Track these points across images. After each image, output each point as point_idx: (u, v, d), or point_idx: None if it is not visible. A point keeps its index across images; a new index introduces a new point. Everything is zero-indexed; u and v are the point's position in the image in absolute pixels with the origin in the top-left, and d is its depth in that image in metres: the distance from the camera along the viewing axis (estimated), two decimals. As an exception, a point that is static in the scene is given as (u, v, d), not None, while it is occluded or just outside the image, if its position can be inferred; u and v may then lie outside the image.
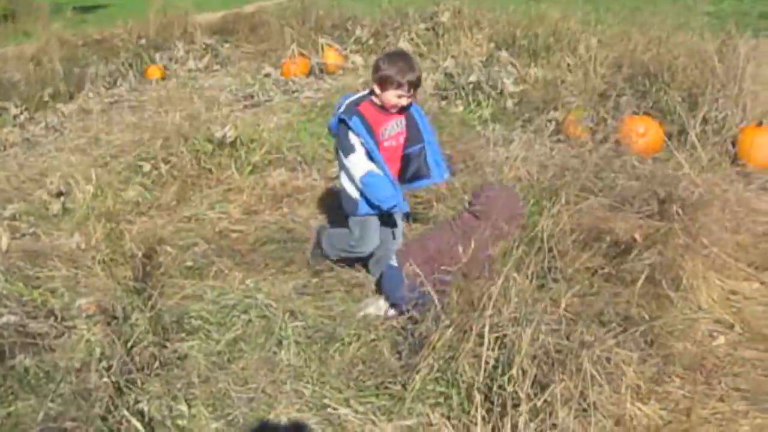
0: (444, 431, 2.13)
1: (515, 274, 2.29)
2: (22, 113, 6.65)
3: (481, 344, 2.12)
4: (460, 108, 5.62)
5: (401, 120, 2.99)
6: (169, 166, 4.48)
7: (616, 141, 4.23)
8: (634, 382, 2.25)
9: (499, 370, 2.09)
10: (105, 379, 2.38)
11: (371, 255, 3.12)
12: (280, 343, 2.64)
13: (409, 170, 3.05)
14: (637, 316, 2.63)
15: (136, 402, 2.35)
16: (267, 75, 7.22)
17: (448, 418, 2.16)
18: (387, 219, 3.08)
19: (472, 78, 5.69)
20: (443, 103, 5.77)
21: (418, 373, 2.25)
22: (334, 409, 2.27)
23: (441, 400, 2.21)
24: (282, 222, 3.92)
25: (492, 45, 7.01)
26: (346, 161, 2.89)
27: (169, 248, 3.62)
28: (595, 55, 5.63)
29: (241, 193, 4.28)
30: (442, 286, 2.43)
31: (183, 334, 2.74)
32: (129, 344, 2.55)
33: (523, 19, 7.39)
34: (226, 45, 9.15)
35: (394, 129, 2.97)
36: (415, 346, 2.42)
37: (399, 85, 2.82)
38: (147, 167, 4.49)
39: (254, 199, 4.23)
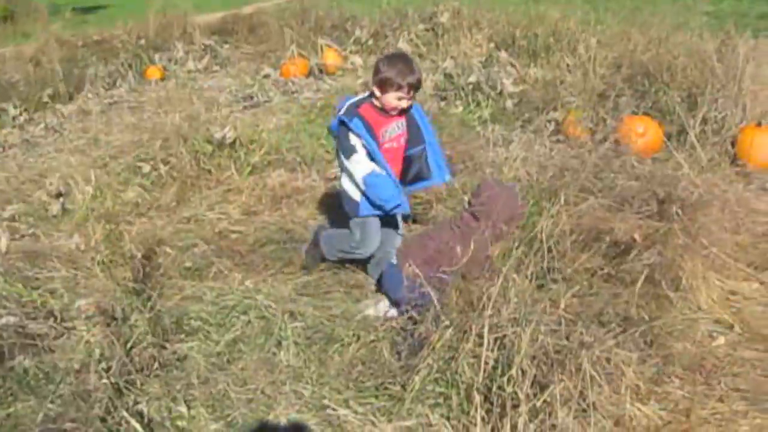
0: (443, 432, 2.13)
1: (515, 275, 2.29)
2: (21, 114, 6.64)
3: (481, 345, 2.11)
4: (460, 108, 5.61)
5: (402, 122, 2.98)
6: (168, 167, 4.47)
7: (615, 141, 4.22)
8: (634, 383, 2.25)
9: (499, 371, 2.08)
10: (104, 380, 2.38)
11: (370, 257, 3.10)
12: (279, 343, 2.64)
13: (411, 172, 3.04)
14: (637, 317, 2.63)
15: (136, 403, 2.35)
16: (266, 76, 7.24)
17: (448, 418, 2.16)
18: (388, 220, 3.06)
19: (472, 78, 5.68)
20: (443, 103, 5.77)
21: (417, 373, 2.25)
22: (334, 409, 2.27)
23: (440, 400, 2.20)
24: (281, 223, 3.91)
25: (491, 45, 7.01)
26: (347, 162, 2.88)
27: (168, 249, 3.62)
28: (594, 56, 5.61)
29: (241, 193, 4.28)
30: (442, 286, 2.43)
31: (182, 335, 2.75)
32: (128, 345, 2.56)
33: (522, 19, 7.39)
34: (226, 46, 9.15)
35: (394, 131, 2.96)
36: (415, 347, 2.42)
37: (399, 88, 2.81)
38: (146, 168, 4.49)
39: (254, 199, 4.22)
